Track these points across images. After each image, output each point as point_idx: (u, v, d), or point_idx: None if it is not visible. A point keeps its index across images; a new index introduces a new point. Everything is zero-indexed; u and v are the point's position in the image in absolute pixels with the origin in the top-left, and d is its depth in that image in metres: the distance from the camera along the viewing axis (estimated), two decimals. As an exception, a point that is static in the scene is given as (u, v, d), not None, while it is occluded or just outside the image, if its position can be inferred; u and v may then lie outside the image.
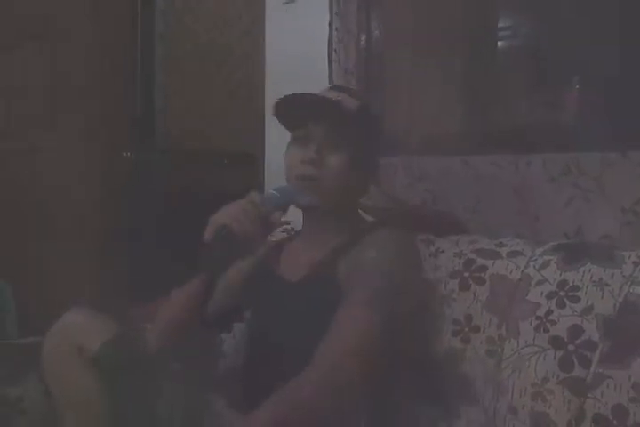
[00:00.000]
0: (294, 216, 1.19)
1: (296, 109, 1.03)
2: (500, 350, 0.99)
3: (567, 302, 0.95)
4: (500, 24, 1.37)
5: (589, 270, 0.96)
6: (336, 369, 0.85)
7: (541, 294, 0.98)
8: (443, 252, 1.12)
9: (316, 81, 1.45)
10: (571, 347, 0.91)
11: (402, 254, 0.98)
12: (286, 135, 1.11)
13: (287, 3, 1.60)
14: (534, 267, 1.01)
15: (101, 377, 1.09)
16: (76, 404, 1.10)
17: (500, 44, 1.38)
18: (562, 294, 0.96)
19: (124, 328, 1.13)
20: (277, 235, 1.36)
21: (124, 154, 2.20)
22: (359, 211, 1.13)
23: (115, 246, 2.20)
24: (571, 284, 0.96)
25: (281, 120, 1.08)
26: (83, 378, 1.09)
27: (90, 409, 1.09)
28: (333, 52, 1.45)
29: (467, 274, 1.07)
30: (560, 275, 0.98)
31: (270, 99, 1.66)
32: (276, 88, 1.64)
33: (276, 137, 1.53)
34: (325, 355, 0.87)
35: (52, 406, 1.14)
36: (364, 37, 1.47)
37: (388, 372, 0.95)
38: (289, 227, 1.39)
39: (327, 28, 1.49)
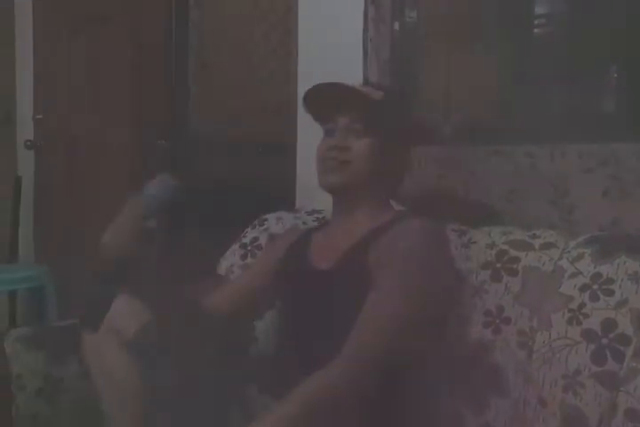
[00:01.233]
0: (325, 205, 1.20)
1: (322, 102, 1.07)
2: (530, 342, 0.99)
3: (601, 296, 0.94)
4: (537, 11, 1.34)
5: (624, 263, 0.94)
6: (366, 358, 0.87)
7: (574, 286, 0.97)
8: (475, 242, 1.11)
9: (348, 70, 1.44)
10: (604, 340, 0.90)
11: (432, 244, 0.98)
12: (318, 125, 1.13)
13: (320, -9, 1.59)
14: (568, 259, 1.00)
15: (137, 361, 1.12)
16: (113, 385, 1.13)
17: (536, 31, 1.36)
18: (595, 287, 0.95)
19: (159, 313, 1.16)
20: (309, 223, 1.37)
21: (159, 142, 2.23)
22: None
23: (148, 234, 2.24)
24: (605, 277, 0.95)
25: (312, 115, 1.12)
26: (120, 361, 1.12)
27: (127, 391, 1.12)
28: (369, 42, 1.44)
29: (499, 265, 1.06)
30: (594, 268, 0.96)
31: (303, 88, 1.66)
32: (308, 77, 1.63)
33: (309, 126, 1.53)
34: (355, 344, 0.88)
35: (91, 386, 1.18)
36: (397, 25, 1.46)
37: (417, 361, 0.96)
38: (320, 216, 1.40)
39: (360, 17, 1.47)
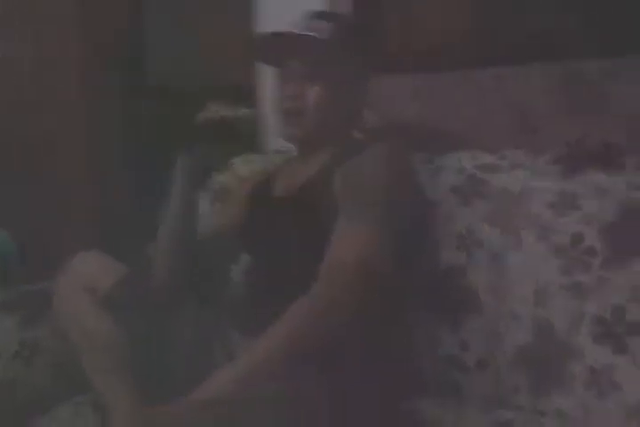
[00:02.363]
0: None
1: (273, 48, 1.05)
2: (501, 260, 1.00)
3: (568, 211, 0.95)
4: None
5: (591, 178, 0.95)
6: (340, 285, 0.87)
7: (543, 204, 0.98)
8: (444, 169, 1.11)
9: (308, 2, 1.39)
10: (572, 253, 0.92)
11: (396, 167, 0.97)
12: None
13: None
14: (535, 178, 1.01)
15: (114, 317, 1.11)
16: (91, 344, 1.13)
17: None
18: (563, 202, 0.96)
19: (133, 268, 1.15)
20: (278, 162, 1.36)
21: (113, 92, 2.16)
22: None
23: (113, 187, 2.21)
24: (572, 192, 0.95)
25: (263, 60, 1.12)
26: (96, 318, 1.11)
27: (105, 348, 1.12)
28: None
29: (468, 189, 1.06)
30: (561, 184, 0.97)
31: (262, 26, 1.60)
32: (267, 17, 1.58)
33: (268, 70, 1.49)
34: (329, 273, 0.88)
35: (68, 347, 1.17)
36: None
37: (390, 283, 0.97)
38: (290, 154, 1.39)
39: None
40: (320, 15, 1.07)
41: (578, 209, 0.95)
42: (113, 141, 2.22)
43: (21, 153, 2.47)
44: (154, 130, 2.04)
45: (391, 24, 1.34)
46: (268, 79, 1.52)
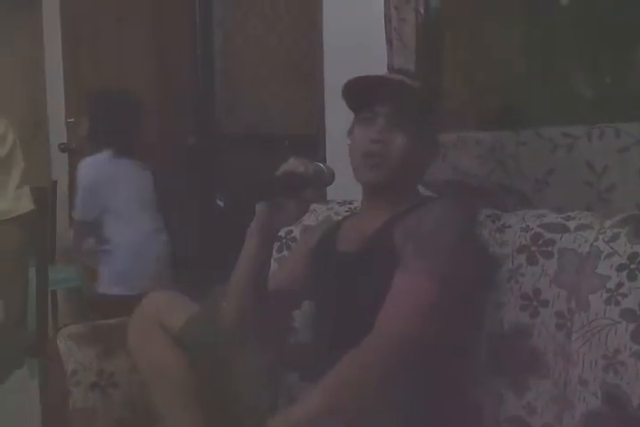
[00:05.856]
0: (356, 196, 1.21)
1: (362, 91, 1.07)
2: (569, 323, 0.99)
3: (638, 275, 0.94)
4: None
5: (662, 241, 0.94)
6: (396, 335, 0.89)
7: (611, 266, 0.97)
8: (509, 227, 1.12)
9: (375, 59, 1.45)
10: (643, 319, 0.91)
11: (458, 222, 0.99)
12: (346, 115, 1.13)
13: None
14: (603, 240, 1.00)
15: (185, 354, 1.15)
16: (161, 379, 1.17)
17: (563, 5, 1.34)
18: (633, 266, 0.94)
19: (204, 307, 1.20)
20: (342, 214, 1.39)
21: (189, 140, 2.26)
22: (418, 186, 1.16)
23: (188, 230, 2.28)
24: (642, 255, 0.95)
25: (348, 102, 1.12)
26: (167, 354, 1.16)
27: (174, 384, 1.15)
28: (393, 31, 1.43)
29: (534, 248, 1.06)
30: (631, 247, 0.96)
31: (329, 79, 1.67)
32: (335, 68, 1.64)
33: (337, 117, 1.55)
34: (385, 322, 0.90)
35: (140, 380, 1.22)
36: (422, 9, 1.44)
37: (453, 343, 0.97)
38: (352, 206, 1.42)
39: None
40: (399, 71, 1.11)
41: (648, 273, 0.93)
42: (189, 187, 2.31)
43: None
44: (228, 178, 2.11)
45: (462, 82, 1.37)
46: (335, 129, 1.58)
